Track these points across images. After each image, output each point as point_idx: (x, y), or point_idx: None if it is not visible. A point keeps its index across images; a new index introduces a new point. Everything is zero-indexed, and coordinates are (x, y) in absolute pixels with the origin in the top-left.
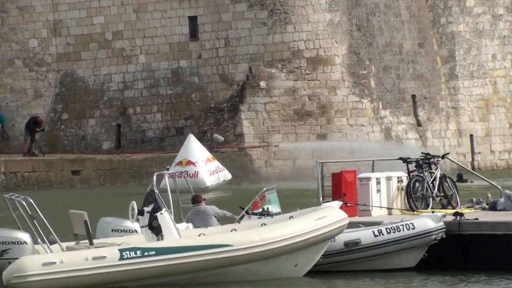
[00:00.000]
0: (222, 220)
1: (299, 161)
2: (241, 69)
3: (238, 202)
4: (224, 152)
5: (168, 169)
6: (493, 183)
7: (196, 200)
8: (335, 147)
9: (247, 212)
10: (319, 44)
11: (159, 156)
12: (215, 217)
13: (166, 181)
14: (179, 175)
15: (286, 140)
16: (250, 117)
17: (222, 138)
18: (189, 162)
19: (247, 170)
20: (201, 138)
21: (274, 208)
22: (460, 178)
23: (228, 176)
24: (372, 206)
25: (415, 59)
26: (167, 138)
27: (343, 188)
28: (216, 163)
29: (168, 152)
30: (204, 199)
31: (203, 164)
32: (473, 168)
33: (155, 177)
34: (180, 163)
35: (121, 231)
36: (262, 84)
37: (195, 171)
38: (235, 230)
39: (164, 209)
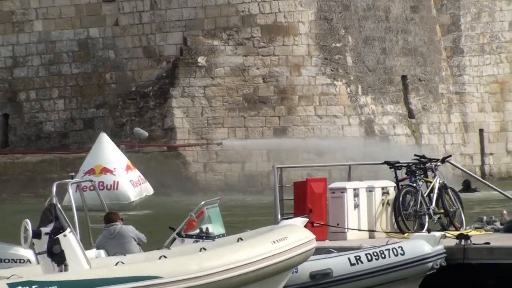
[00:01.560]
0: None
1: (250, 165)
2: (172, 40)
3: (168, 221)
4: (149, 153)
5: (72, 177)
6: (509, 195)
7: (109, 218)
8: (299, 146)
9: (179, 234)
10: (278, 7)
11: (61, 158)
12: (135, 240)
13: (70, 193)
14: (92, 187)
15: (233, 136)
16: (184, 105)
17: (146, 134)
18: (105, 170)
19: (180, 176)
20: (118, 134)
21: (216, 228)
22: (467, 187)
23: (150, 190)
24: (347, 227)
25: (407, 28)
26: (72, 134)
27: (308, 201)
28: (138, 173)
29: (73, 152)
30: (122, 219)
31: (124, 173)
32: (483, 175)
33: (54, 187)
34: (92, 171)
35: (10, 260)
36: (201, 60)
37: (114, 182)
38: (165, 257)
39: (68, 229)
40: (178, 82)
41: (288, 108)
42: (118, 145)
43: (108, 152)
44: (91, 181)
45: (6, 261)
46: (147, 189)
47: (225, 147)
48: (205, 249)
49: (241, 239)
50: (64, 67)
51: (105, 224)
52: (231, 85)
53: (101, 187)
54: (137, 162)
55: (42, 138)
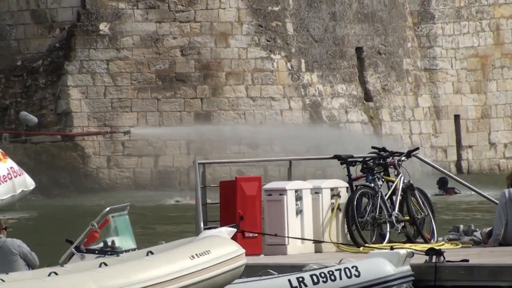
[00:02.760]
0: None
1: (165, 159)
2: (67, 2)
3: (64, 232)
4: (39, 143)
5: None
6: (491, 197)
7: None
8: (226, 135)
9: (78, 249)
10: None
11: None
12: (21, 257)
13: None
14: None
15: (143, 123)
16: (83, 84)
17: (36, 119)
18: None
19: (77, 173)
20: (0, 118)
21: (124, 241)
22: (442, 185)
23: (30, 185)
24: (288, 236)
25: None
26: None
27: (239, 206)
28: (10, 163)
29: None
30: (5, 228)
31: None
32: (459, 171)
33: None
34: None
35: None
36: (103, 28)
37: None
38: (56, 274)
39: None
40: (75, 54)
41: (212, 88)
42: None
43: None
44: None
45: None
46: (25, 183)
47: (133, 137)
48: (106, 264)
49: (151, 253)
50: None
51: None
52: (141, 58)
53: None
54: (23, 155)
55: None
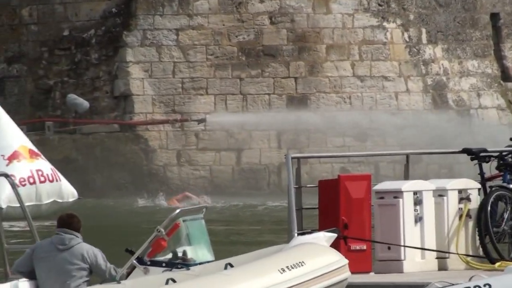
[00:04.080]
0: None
1: (250, 154)
2: None
3: (123, 241)
4: (90, 134)
5: None
6: None
7: (66, 222)
8: (327, 124)
9: (140, 261)
10: None
11: None
12: (91, 268)
13: None
14: None
15: (222, 109)
16: (146, 59)
17: (87, 104)
18: None
19: (140, 171)
20: (41, 103)
21: (198, 251)
22: None
23: (68, 195)
24: (404, 251)
25: None
26: None
27: (342, 211)
28: (39, 165)
29: None
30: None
31: (3, 163)
32: None
33: None
34: None
35: None
36: None
37: None
38: None
39: None
40: (136, 22)
41: (310, 65)
42: (39, 122)
43: None
44: (6, 175)
45: None
46: (60, 192)
47: (210, 126)
48: (174, 280)
49: (231, 266)
50: None
51: (58, 227)
52: (219, 27)
53: None
54: (71, 149)
55: None
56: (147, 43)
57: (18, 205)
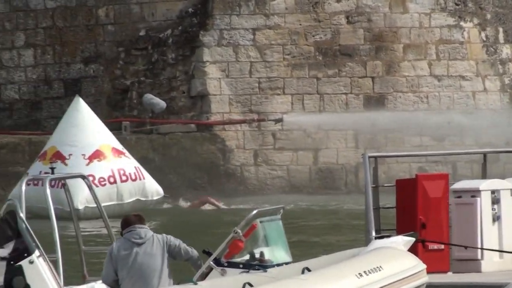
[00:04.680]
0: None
1: (328, 154)
2: None
3: (199, 242)
4: (167, 134)
5: (53, 170)
6: None
7: (131, 221)
8: (404, 124)
9: (217, 262)
10: None
11: (30, 141)
12: (166, 256)
13: (48, 194)
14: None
15: (299, 108)
16: (223, 59)
17: (164, 104)
18: (57, 156)
19: (217, 171)
20: (118, 103)
21: (276, 252)
22: None
23: (153, 194)
24: (483, 251)
25: None
26: (47, 103)
27: (419, 210)
28: (120, 164)
29: (49, 132)
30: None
31: (81, 163)
32: None
33: (23, 185)
34: (43, 157)
35: None
36: None
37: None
38: None
39: (37, 252)
40: (213, 22)
41: (387, 65)
42: (115, 122)
43: (76, 127)
44: (83, 177)
45: None
46: (143, 190)
47: (287, 126)
48: (250, 285)
49: (308, 270)
50: None
51: (123, 228)
52: (296, 27)
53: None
54: (148, 149)
55: (1, 110)
56: (224, 43)
57: (93, 205)
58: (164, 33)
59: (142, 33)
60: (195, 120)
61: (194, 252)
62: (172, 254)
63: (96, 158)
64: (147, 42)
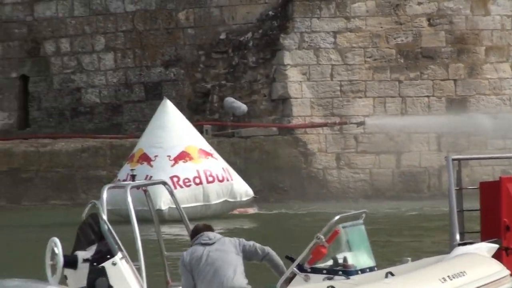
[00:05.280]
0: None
1: (410, 157)
2: None
3: (282, 248)
4: (248, 137)
5: (134, 177)
6: None
7: (202, 228)
8: (487, 126)
9: (301, 268)
10: None
11: (112, 145)
12: (239, 253)
13: (129, 201)
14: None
15: (381, 111)
16: (304, 62)
17: (245, 107)
18: (143, 158)
19: (299, 174)
20: (198, 107)
21: (359, 257)
22: None
23: (241, 195)
24: None
25: None
26: (128, 106)
27: (503, 213)
28: (206, 166)
29: (130, 136)
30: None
31: (167, 164)
32: None
33: (105, 192)
34: (131, 158)
35: None
36: None
37: (146, 177)
38: None
39: (119, 254)
40: (293, 25)
41: (469, 67)
42: (197, 125)
43: (163, 129)
44: (164, 183)
45: None
46: (231, 192)
47: (369, 129)
48: None
49: (392, 274)
50: (114, 2)
51: (192, 238)
52: (377, 30)
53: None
54: (230, 152)
55: (82, 113)
56: (304, 46)
57: (183, 206)
58: (245, 36)
59: (222, 36)
60: (276, 123)
61: (270, 251)
62: (248, 254)
63: (181, 159)
64: (228, 46)
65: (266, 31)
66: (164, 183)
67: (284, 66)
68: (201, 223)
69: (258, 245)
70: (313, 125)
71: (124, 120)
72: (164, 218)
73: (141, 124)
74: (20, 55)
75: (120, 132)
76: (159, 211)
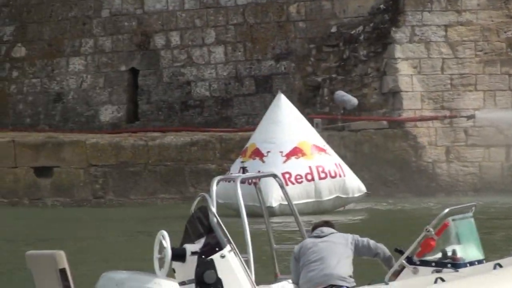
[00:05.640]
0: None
1: None
2: None
3: (391, 240)
4: (359, 131)
5: (244, 169)
6: None
7: (320, 224)
8: None
9: (410, 261)
10: None
11: (221, 139)
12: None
13: (239, 193)
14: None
15: (492, 104)
16: (415, 56)
17: (355, 100)
18: (256, 153)
19: (409, 168)
20: (309, 100)
21: (468, 250)
22: None
23: (354, 191)
24: None
25: None
26: (238, 100)
27: None
28: (319, 161)
29: (240, 129)
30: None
31: (278, 160)
32: None
33: (215, 184)
34: (243, 153)
35: None
36: None
37: (257, 172)
38: None
39: (228, 247)
40: (404, 19)
41: None
42: (307, 119)
43: (276, 124)
44: (274, 175)
45: None
46: (343, 187)
47: (479, 122)
48: (442, 279)
49: (499, 266)
50: None
51: (312, 231)
52: (488, 23)
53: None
54: (340, 145)
55: (191, 107)
56: (415, 39)
57: (294, 202)
58: (356, 30)
59: (333, 29)
60: (387, 117)
61: (383, 247)
62: (361, 250)
63: (293, 155)
64: (339, 39)
65: (377, 24)
66: (275, 176)
67: (395, 59)
68: (322, 220)
69: (372, 241)
70: (423, 119)
71: (234, 113)
72: (274, 215)
73: (250, 117)
74: (129, 49)
75: (229, 125)
76: (270, 208)
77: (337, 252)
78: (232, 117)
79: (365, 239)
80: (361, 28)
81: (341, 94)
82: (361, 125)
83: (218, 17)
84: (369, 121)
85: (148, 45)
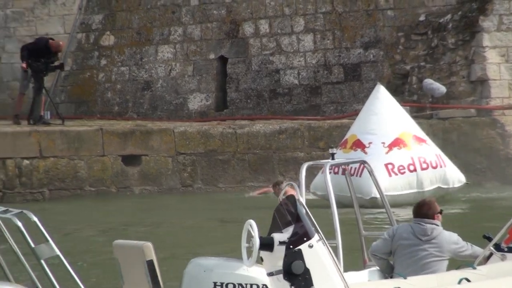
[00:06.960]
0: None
1: None
2: None
3: (480, 227)
4: (447, 119)
5: (333, 155)
6: None
7: (421, 212)
8: None
9: (498, 248)
10: None
11: (310, 127)
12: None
13: (328, 180)
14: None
15: None
16: (502, 44)
17: (443, 89)
18: (357, 144)
19: (496, 156)
20: (398, 88)
21: None
22: None
23: (454, 181)
24: None
25: None
26: (326, 88)
27: None
28: (419, 152)
29: (328, 117)
30: (441, 212)
31: (381, 151)
32: None
33: (303, 171)
34: (343, 145)
35: (233, 285)
36: None
37: (360, 165)
38: (468, 281)
39: (316, 237)
40: (492, 7)
41: None
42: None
43: (376, 115)
44: (363, 162)
45: (228, 285)
46: (443, 178)
47: None
48: None
49: None
50: None
51: (415, 217)
52: None
53: (346, 171)
54: (429, 133)
55: (280, 95)
56: (503, 28)
57: (397, 193)
58: (444, 18)
59: (422, 18)
60: (475, 105)
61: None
62: (455, 252)
63: (396, 146)
64: (427, 27)
65: (466, 13)
66: (364, 162)
67: (483, 48)
68: (418, 202)
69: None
70: (510, 107)
71: (323, 101)
72: (378, 206)
73: (339, 105)
74: (218, 37)
75: (318, 113)
76: (374, 199)
77: (429, 270)
78: (320, 105)
79: (464, 244)
80: (449, 16)
81: (429, 82)
82: (450, 113)
83: (307, 5)
84: (457, 109)
85: (237, 33)
